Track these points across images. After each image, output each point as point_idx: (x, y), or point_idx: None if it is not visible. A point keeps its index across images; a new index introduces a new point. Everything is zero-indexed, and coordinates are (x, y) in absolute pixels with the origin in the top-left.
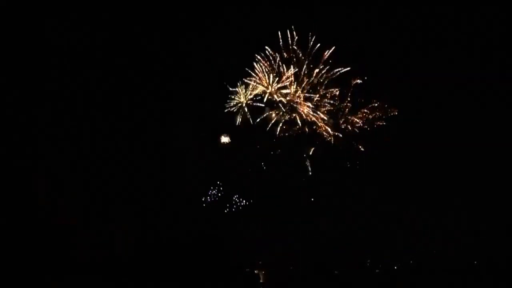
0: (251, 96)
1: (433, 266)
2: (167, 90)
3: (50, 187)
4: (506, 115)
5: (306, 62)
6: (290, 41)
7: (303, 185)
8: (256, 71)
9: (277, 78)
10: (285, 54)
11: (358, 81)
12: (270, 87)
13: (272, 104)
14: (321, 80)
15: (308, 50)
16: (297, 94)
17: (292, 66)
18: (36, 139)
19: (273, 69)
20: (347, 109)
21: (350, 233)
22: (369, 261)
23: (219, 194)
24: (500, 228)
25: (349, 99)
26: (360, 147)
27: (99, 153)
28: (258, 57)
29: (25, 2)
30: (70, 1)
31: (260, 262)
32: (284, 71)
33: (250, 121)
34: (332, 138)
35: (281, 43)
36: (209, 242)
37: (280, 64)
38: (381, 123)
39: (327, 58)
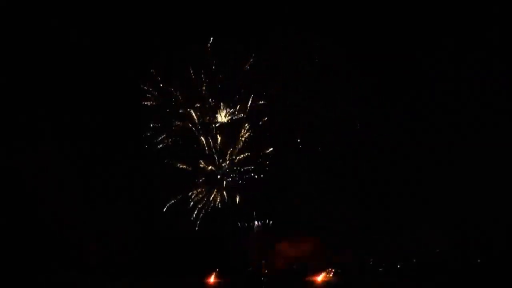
0: None
1: (436, 265)
2: (168, 90)
3: (50, 187)
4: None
5: None
6: None
7: (303, 184)
8: None
9: None
10: None
11: None
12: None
13: None
14: None
15: None
16: None
17: None
18: (36, 139)
19: None
20: None
21: (352, 232)
22: (371, 260)
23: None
24: (502, 228)
25: None
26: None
27: (99, 152)
28: None
29: (25, 2)
30: (70, 1)
31: (263, 262)
32: None
33: None
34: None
35: None
36: (212, 242)
37: None
38: None
39: None
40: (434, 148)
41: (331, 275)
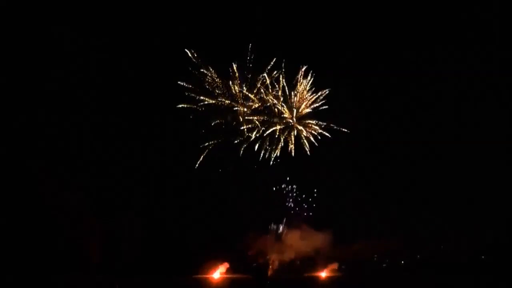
0: None
1: (439, 260)
2: (166, 89)
3: (55, 188)
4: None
5: None
6: None
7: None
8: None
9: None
10: None
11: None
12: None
13: None
14: None
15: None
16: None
17: None
18: (37, 139)
19: None
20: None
21: (356, 228)
22: (376, 255)
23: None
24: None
25: None
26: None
27: (101, 153)
28: None
29: (25, 3)
30: (70, 2)
31: (267, 257)
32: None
33: None
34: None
35: None
36: (218, 238)
37: None
38: None
39: None
40: (437, 145)
41: (335, 271)
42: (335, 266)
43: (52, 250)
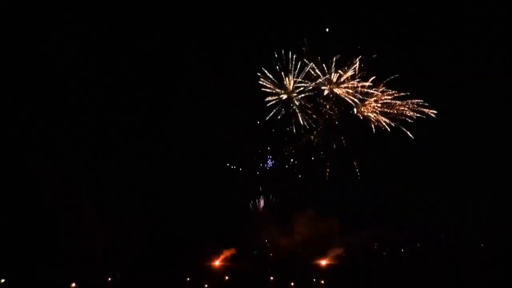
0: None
1: (440, 250)
2: (167, 89)
3: (56, 188)
4: None
5: None
6: None
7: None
8: None
9: None
10: None
11: None
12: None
13: None
14: None
15: None
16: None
17: None
18: (37, 139)
19: None
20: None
21: (358, 218)
22: (376, 244)
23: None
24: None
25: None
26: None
27: (103, 152)
28: None
29: (25, 4)
30: (70, 3)
31: (268, 245)
32: None
33: None
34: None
35: None
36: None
37: None
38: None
39: None
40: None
41: (337, 258)
42: (339, 251)
43: (53, 247)
